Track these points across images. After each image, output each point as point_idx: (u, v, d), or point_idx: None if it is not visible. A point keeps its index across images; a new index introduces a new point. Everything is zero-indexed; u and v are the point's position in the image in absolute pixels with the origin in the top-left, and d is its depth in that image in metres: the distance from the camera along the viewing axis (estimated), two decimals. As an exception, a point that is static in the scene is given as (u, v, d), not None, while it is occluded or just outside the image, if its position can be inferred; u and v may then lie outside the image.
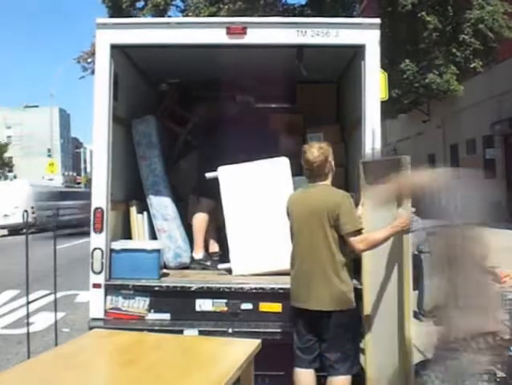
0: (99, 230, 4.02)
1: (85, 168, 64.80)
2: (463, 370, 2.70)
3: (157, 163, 4.77)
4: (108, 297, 4.02)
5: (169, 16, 14.03)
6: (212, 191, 4.52)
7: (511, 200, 17.61)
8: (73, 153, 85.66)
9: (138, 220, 4.69)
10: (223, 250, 4.79)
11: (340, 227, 3.38)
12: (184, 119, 5.65)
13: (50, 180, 33.18)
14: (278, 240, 4.10)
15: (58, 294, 5.32)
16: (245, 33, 4.01)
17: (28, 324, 4.83)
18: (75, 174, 75.34)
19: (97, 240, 4.03)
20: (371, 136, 3.97)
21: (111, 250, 4.11)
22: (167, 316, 4.00)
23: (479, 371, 2.61)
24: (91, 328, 3.73)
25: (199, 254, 4.82)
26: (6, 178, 45.29)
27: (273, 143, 5.22)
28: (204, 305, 3.99)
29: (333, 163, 3.59)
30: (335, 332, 3.41)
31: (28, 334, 4.64)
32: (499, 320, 2.62)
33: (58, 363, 2.57)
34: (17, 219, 18.53)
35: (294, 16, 12.76)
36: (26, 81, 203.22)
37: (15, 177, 48.27)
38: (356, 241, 3.37)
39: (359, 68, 4.07)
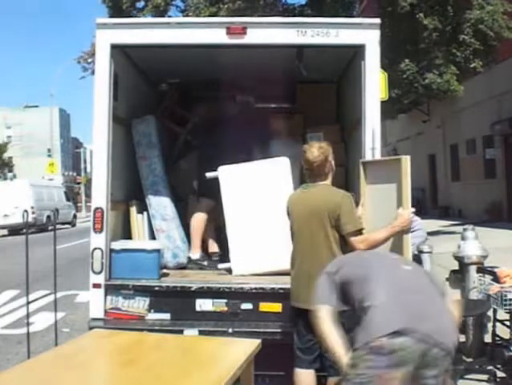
0: (99, 230, 4.02)
1: (85, 168, 64.71)
2: None
3: (157, 163, 4.77)
4: (108, 297, 4.02)
5: (169, 16, 14.03)
6: (211, 191, 4.52)
7: (511, 200, 17.63)
8: (73, 153, 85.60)
9: (138, 220, 4.69)
10: (223, 250, 4.79)
11: (341, 227, 3.38)
12: (184, 119, 5.65)
13: (50, 180, 33.23)
14: (278, 240, 4.10)
15: (58, 294, 5.31)
16: (245, 33, 4.00)
17: (28, 324, 4.82)
18: (75, 174, 75.28)
19: (97, 240, 4.03)
20: (371, 136, 3.97)
21: (111, 250, 4.11)
22: (167, 316, 4.00)
23: None
24: (91, 328, 3.73)
25: (196, 254, 4.82)
26: (5, 178, 45.28)
27: (273, 143, 5.23)
28: (204, 305, 3.99)
29: (333, 162, 3.59)
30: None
31: (28, 334, 4.63)
32: None
33: (58, 363, 2.57)
34: (17, 219, 18.57)
35: (294, 16, 12.75)
36: (26, 81, 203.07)
37: (15, 176, 48.29)
38: (357, 241, 3.37)
39: (359, 68, 4.07)
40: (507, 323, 4.20)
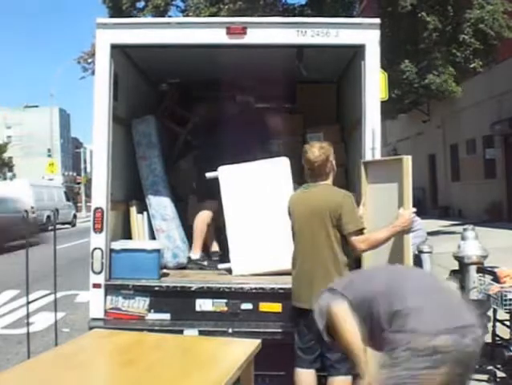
0: (99, 230, 4.02)
1: (85, 168, 64.68)
2: None
3: (157, 163, 4.77)
4: (108, 297, 4.02)
5: (170, 16, 14.02)
6: (212, 191, 4.52)
7: (511, 200, 17.63)
8: (73, 153, 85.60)
9: (138, 220, 4.69)
10: (223, 250, 4.79)
11: (342, 227, 3.38)
12: (184, 119, 5.65)
13: (50, 180, 33.19)
14: (278, 240, 4.10)
15: (58, 294, 5.31)
16: (245, 33, 4.00)
17: (28, 324, 4.82)
18: (75, 174, 75.26)
19: (97, 240, 4.03)
20: (371, 136, 3.97)
21: (111, 250, 4.11)
22: (167, 316, 4.00)
23: None
24: (91, 328, 3.73)
25: (196, 254, 4.81)
26: (5, 178, 45.29)
27: (273, 143, 5.23)
28: (204, 305, 3.99)
29: (334, 162, 3.59)
30: None
31: (28, 334, 4.63)
32: None
33: (58, 363, 2.57)
34: (17, 219, 18.55)
35: (294, 16, 12.75)
36: (26, 81, 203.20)
37: (15, 176, 48.29)
38: (358, 241, 3.37)
39: (359, 68, 4.07)
40: (507, 323, 4.20)
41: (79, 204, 40.23)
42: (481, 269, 4.49)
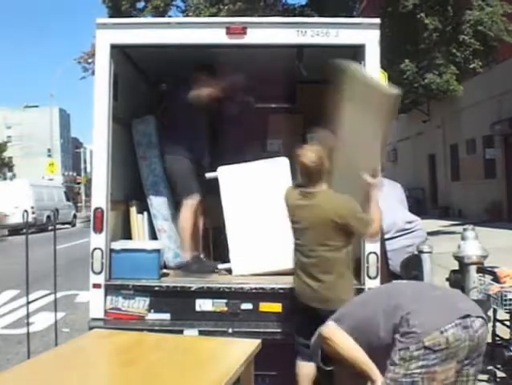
0: (99, 230, 4.02)
1: (85, 168, 64.76)
2: None
3: (157, 163, 4.76)
4: (108, 298, 4.02)
5: (170, 17, 14.03)
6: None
7: (511, 200, 17.63)
8: (73, 153, 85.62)
9: (138, 220, 4.69)
10: (223, 250, 4.78)
11: (354, 232, 3.48)
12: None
13: (50, 180, 33.19)
14: (278, 240, 4.10)
15: (58, 294, 5.32)
16: (245, 33, 4.00)
17: (28, 324, 4.83)
18: (75, 174, 75.30)
19: (97, 240, 4.02)
20: (371, 136, 3.96)
21: (111, 250, 4.11)
22: (167, 316, 4.00)
23: None
24: (91, 328, 3.73)
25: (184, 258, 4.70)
26: (5, 178, 45.29)
27: (273, 142, 5.22)
28: (204, 305, 3.98)
29: (328, 163, 3.56)
30: None
31: (28, 334, 4.64)
32: None
33: (58, 363, 2.57)
34: (17, 219, 18.56)
35: (295, 16, 12.75)
36: (26, 81, 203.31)
37: (14, 176, 48.29)
38: (369, 237, 3.60)
39: (359, 68, 4.07)
40: (507, 323, 4.20)
41: (79, 204, 40.27)
42: (481, 269, 4.49)
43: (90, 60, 15.78)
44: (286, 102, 5.87)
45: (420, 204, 21.80)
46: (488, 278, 4.27)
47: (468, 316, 2.42)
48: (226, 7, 12.86)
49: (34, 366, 2.58)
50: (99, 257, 3.99)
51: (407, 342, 2.39)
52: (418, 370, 2.36)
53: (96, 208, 4.03)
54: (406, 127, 25.29)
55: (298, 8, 14.93)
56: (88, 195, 26.02)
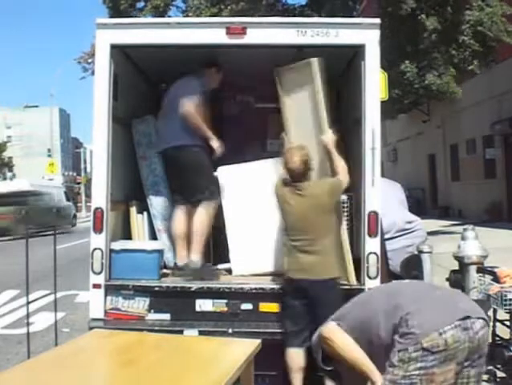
0: (98, 230, 4.02)
1: (85, 168, 64.65)
2: None
3: (157, 163, 4.76)
4: (108, 298, 4.02)
5: (170, 17, 14.01)
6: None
7: (511, 200, 17.63)
8: (73, 153, 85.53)
9: (138, 221, 4.69)
10: (222, 251, 4.78)
11: (338, 202, 3.94)
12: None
13: (50, 180, 33.17)
14: (278, 240, 4.10)
15: (58, 294, 5.31)
16: (245, 33, 4.01)
17: (28, 324, 4.82)
18: (75, 174, 75.23)
19: (97, 240, 4.02)
20: (371, 136, 3.97)
21: (111, 250, 4.11)
22: (167, 316, 4.00)
23: None
24: (91, 328, 3.73)
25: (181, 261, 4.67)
26: (5, 178, 45.27)
27: (273, 142, 5.22)
28: (204, 305, 3.99)
29: (313, 162, 3.89)
30: (327, 299, 3.57)
31: (28, 334, 4.63)
32: None
33: (58, 363, 2.56)
34: (17, 219, 18.53)
35: (295, 16, 12.74)
36: (26, 81, 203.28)
37: (14, 176, 48.25)
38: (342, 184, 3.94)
39: (359, 68, 4.07)
40: (507, 323, 4.20)
41: (79, 204, 40.21)
42: (481, 269, 4.48)
43: (90, 60, 15.74)
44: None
45: (420, 204, 21.80)
46: (488, 278, 4.27)
47: (468, 317, 2.40)
48: (228, 7, 12.84)
49: (34, 366, 2.58)
50: (99, 257, 3.99)
51: (405, 343, 2.38)
52: (416, 372, 2.35)
53: (96, 209, 4.03)
54: (406, 127, 25.30)
55: (298, 8, 14.91)
56: (88, 195, 25.97)
